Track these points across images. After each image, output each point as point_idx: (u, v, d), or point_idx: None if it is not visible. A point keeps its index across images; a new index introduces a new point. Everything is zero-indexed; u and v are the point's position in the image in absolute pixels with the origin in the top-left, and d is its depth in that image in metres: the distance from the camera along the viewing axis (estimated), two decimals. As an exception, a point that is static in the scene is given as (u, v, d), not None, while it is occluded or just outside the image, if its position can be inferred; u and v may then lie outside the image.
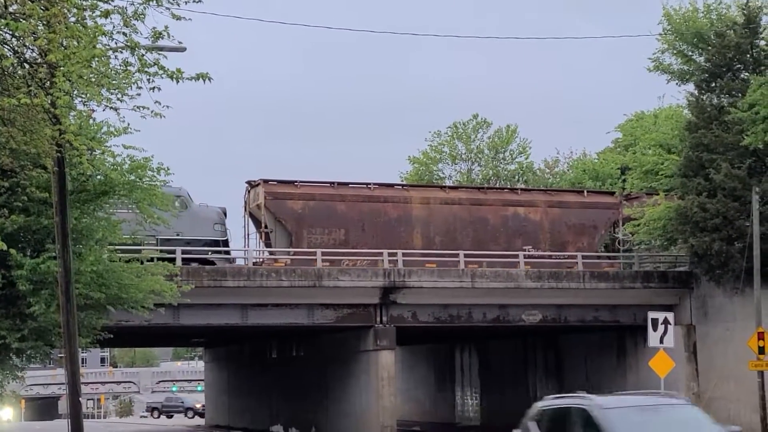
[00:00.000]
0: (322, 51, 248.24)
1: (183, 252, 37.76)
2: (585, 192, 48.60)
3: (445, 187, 49.84)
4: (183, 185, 41.11)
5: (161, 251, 37.40)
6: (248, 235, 43.36)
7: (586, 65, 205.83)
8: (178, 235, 39.04)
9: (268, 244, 42.16)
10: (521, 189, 48.29)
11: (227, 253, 40.12)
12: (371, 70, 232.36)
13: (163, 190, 40.03)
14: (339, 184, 43.72)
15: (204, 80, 15.09)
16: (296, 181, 42.95)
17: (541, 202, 46.17)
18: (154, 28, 14.71)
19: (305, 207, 42.13)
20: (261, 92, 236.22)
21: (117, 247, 27.20)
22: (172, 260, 37.35)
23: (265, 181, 42.36)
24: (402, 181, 67.40)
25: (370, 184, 44.90)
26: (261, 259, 41.64)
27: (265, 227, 41.83)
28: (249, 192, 42.89)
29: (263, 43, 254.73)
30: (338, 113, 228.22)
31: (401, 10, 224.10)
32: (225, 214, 41.28)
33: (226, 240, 40.77)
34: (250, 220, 43.34)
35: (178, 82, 14.84)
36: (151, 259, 28.65)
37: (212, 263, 38.70)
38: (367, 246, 41.68)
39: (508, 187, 51.88)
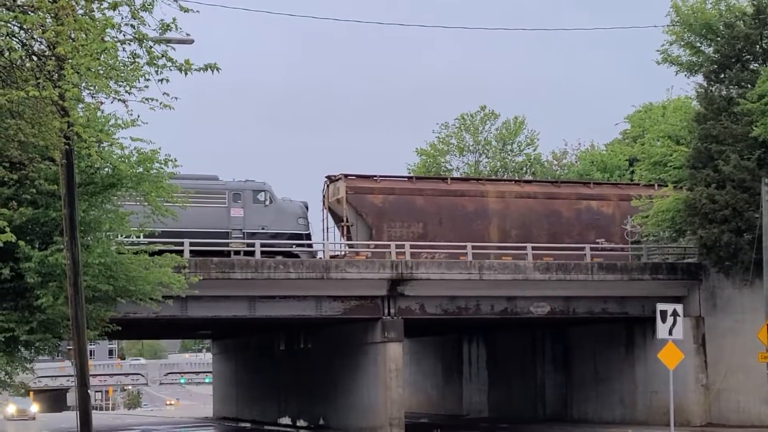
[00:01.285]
0: (327, 46, 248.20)
1: (267, 245, 38.27)
2: (656, 186, 48.49)
3: (520, 180, 50.35)
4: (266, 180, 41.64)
5: (247, 245, 38.02)
6: (327, 228, 43.91)
7: (595, 58, 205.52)
8: (262, 228, 39.52)
9: (349, 238, 42.54)
10: (593, 183, 48.48)
11: (310, 246, 40.30)
12: (380, 63, 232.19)
13: (248, 185, 40.87)
14: (417, 178, 44.75)
15: (212, 71, 15.08)
16: (375, 176, 43.50)
17: (613, 195, 46.63)
18: (161, 20, 14.66)
19: (385, 201, 42.72)
20: (265, 85, 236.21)
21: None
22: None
23: (346, 176, 42.88)
24: (409, 172, 67.33)
25: (447, 178, 45.09)
26: (342, 253, 42.07)
27: (346, 221, 42.23)
28: (328, 186, 43.38)
29: (264, 38, 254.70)
30: (345, 106, 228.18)
31: (409, 3, 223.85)
32: (307, 208, 41.78)
33: (309, 234, 41.39)
34: (329, 214, 43.72)
35: (186, 74, 14.81)
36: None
37: (297, 256, 39.01)
38: (446, 239, 41.87)
39: (581, 181, 51.99)
